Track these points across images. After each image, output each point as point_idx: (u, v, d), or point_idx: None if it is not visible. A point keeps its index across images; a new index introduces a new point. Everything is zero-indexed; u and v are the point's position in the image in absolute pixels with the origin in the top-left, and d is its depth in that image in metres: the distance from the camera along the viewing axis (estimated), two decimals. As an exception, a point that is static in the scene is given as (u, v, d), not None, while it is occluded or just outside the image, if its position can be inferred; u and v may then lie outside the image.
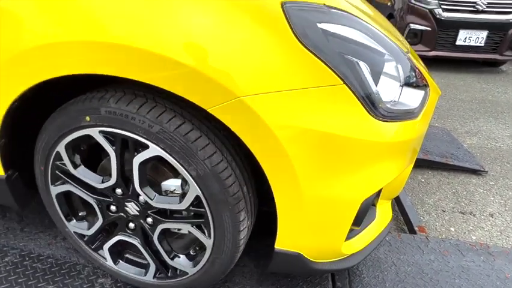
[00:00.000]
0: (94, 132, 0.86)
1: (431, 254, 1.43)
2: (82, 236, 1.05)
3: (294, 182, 0.82)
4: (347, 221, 0.91)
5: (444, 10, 4.32)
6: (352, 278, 1.27)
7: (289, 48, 0.76)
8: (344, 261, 1.03)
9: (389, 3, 5.15)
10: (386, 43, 0.90)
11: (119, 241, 1.03)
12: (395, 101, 0.92)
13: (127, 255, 1.08)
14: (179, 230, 0.97)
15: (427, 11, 4.37)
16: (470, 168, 2.22)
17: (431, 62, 4.83)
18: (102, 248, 1.05)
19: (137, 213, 0.97)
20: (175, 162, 0.82)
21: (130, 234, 1.02)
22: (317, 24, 0.78)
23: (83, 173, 0.94)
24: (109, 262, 1.06)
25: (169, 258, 0.99)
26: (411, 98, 0.96)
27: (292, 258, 0.96)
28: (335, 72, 0.78)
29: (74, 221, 1.04)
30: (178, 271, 1.02)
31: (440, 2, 4.31)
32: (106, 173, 0.96)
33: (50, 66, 0.79)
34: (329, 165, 0.83)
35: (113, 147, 0.87)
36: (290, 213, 0.87)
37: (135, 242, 1.01)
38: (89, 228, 1.03)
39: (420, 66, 1.14)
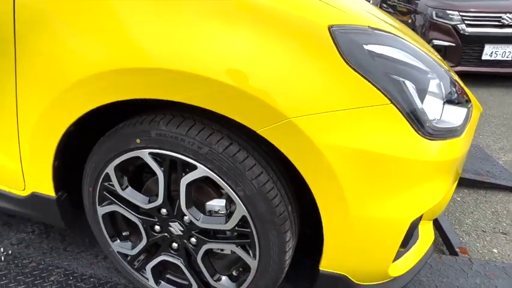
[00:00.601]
0: (144, 154, 0.88)
1: (477, 278, 1.36)
2: (125, 256, 1.07)
3: (342, 202, 0.81)
4: (396, 243, 0.89)
5: (468, 25, 4.27)
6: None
7: (337, 69, 0.77)
8: (390, 283, 1.00)
9: (409, 20, 5.15)
10: (428, 61, 0.91)
11: (161, 261, 1.04)
12: (438, 119, 0.90)
13: (168, 276, 1.08)
14: (222, 250, 0.97)
15: (450, 26, 4.34)
16: (508, 186, 2.13)
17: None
18: (145, 268, 1.06)
19: (181, 233, 0.97)
20: (223, 182, 0.84)
21: (174, 255, 1.02)
22: (363, 45, 0.80)
23: (130, 193, 0.96)
24: (151, 282, 1.07)
25: (212, 279, 0.99)
26: (454, 115, 0.95)
27: (337, 281, 0.94)
28: (382, 92, 0.79)
29: (118, 241, 1.06)
30: None
31: (464, 18, 4.28)
32: (150, 194, 0.98)
33: (104, 93, 0.83)
34: (378, 185, 0.82)
35: (161, 168, 0.89)
36: (337, 234, 0.87)
37: (178, 262, 1.01)
38: (132, 248, 1.05)
39: (460, 82, 1.13)
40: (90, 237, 1.27)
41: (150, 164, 0.89)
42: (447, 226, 1.69)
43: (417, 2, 4.89)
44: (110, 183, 0.96)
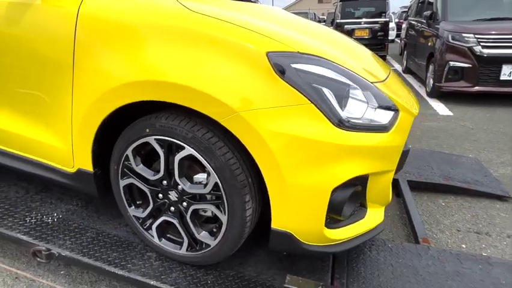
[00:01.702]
0: (151, 140, 1.28)
1: (429, 260, 1.57)
2: (137, 219, 1.45)
3: (279, 172, 1.13)
4: (322, 206, 1.18)
5: (484, 47, 4.40)
6: (350, 272, 1.48)
7: (272, 81, 1.12)
8: (330, 246, 1.28)
9: (430, 44, 5.33)
10: (350, 76, 1.20)
11: (163, 221, 1.40)
12: (365, 118, 1.20)
13: (168, 235, 1.45)
14: (204, 211, 1.33)
15: (466, 48, 4.49)
16: (493, 193, 2.27)
17: (476, 97, 4.81)
18: (151, 228, 1.43)
19: (176, 199, 1.34)
20: (201, 158, 1.20)
21: (171, 216, 1.38)
22: (291, 64, 1.14)
23: (142, 169, 1.36)
24: (156, 239, 1.44)
25: (197, 233, 1.34)
26: (381, 116, 1.24)
27: (285, 238, 1.23)
28: (304, 95, 1.12)
29: (133, 207, 1.45)
30: (204, 244, 1.34)
31: (479, 40, 4.41)
32: (156, 171, 1.37)
33: (127, 95, 1.24)
34: (303, 160, 1.12)
35: (162, 150, 1.28)
36: (278, 197, 1.18)
37: (175, 221, 1.37)
38: (143, 212, 1.44)
39: (395, 92, 1.37)
40: (115, 212, 1.68)
41: (155, 146, 1.28)
42: (416, 219, 1.90)
43: (437, 27, 5.08)
44: (129, 162, 1.36)
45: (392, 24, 13.69)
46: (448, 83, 4.72)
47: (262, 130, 1.10)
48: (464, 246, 1.85)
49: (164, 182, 1.34)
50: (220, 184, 1.21)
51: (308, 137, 1.11)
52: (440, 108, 4.61)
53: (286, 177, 1.13)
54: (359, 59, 1.47)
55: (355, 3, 9.43)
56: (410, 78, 6.74)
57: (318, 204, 1.18)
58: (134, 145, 1.32)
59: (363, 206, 1.37)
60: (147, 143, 1.31)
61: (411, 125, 1.39)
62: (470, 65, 4.49)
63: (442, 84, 4.77)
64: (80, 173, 1.45)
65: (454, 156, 2.84)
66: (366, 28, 8.92)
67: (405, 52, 7.45)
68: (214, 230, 1.34)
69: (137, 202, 1.46)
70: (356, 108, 1.20)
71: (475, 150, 3.17)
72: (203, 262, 1.39)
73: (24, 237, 1.45)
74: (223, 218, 1.26)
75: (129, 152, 1.34)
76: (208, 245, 1.34)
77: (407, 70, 7.16)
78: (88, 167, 1.42)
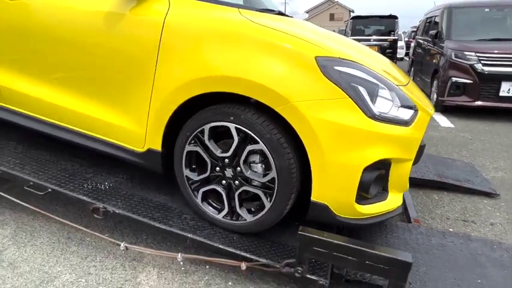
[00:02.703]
0: (231, 126, 1.52)
1: (418, 235, 1.86)
2: (189, 179, 1.71)
3: (321, 151, 1.41)
4: (354, 182, 1.44)
5: (485, 65, 4.70)
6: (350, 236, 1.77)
7: (319, 79, 1.41)
8: (358, 220, 1.55)
9: (434, 61, 5.66)
10: (379, 78, 1.50)
11: (210, 189, 1.68)
12: (391, 113, 1.47)
13: (209, 200, 1.73)
14: (250, 193, 1.60)
15: (468, 66, 4.80)
16: (482, 190, 2.55)
17: (477, 112, 5.09)
18: (198, 191, 1.70)
19: (231, 176, 1.62)
20: (269, 155, 1.47)
21: (221, 187, 1.65)
22: (334, 67, 1.43)
23: (211, 144, 1.60)
24: (199, 200, 1.71)
25: (239, 208, 1.62)
26: (404, 113, 1.52)
27: (322, 209, 1.49)
28: (344, 91, 1.40)
29: (189, 170, 1.71)
30: (240, 217, 1.63)
31: (480, 58, 4.72)
32: (223, 148, 1.62)
33: (197, 88, 1.53)
34: (341, 143, 1.40)
35: (238, 137, 1.53)
36: (319, 173, 1.44)
37: (223, 192, 1.65)
38: (197, 176, 1.69)
39: (416, 95, 1.66)
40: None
41: (232, 132, 1.52)
42: (410, 203, 2.19)
43: (442, 45, 5.42)
44: (202, 135, 1.59)
45: (401, 43, 14.07)
46: (450, 98, 5.01)
47: (310, 117, 1.39)
48: (451, 230, 2.13)
49: (226, 160, 1.60)
50: (276, 180, 1.50)
51: (346, 124, 1.40)
52: (443, 120, 4.89)
53: (327, 156, 1.41)
54: (384, 66, 1.79)
55: (365, 22, 9.86)
56: (416, 94, 7.03)
57: (351, 180, 1.44)
58: (213, 124, 1.57)
59: (385, 190, 1.62)
60: (225, 127, 1.56)
61: (427, 123, 1.65)
62: (471, 81, 4.79)
63: (445, 99, 5.06)
64: (149, 152, 1.73)
65: (449, 159, 3.12)
66: (375, 45, 9.31)
67: (412, 69, 7.79)
68: (253, 209, 1.63)
69: (193, 166, 1.73)
70: (384, 105, 1.48)
71: (471, 157, 3.44)
72: (237, 230, 1.68)
73: (85, 198, 1.78)
74: (267, 205, 1.55)
75: (206, 127, 1.59)
76: (244, 219, 1.63)
77: (414, 86, 7.45)
78: (158, 147, 1.70)
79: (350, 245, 1.32)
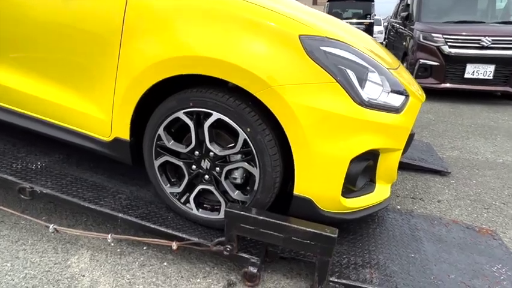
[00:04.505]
0: (180, 114, 1.40)
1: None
2: (173, 194, 1.56)
3: (305, 141, 1.27)
4: (340, 175, 1.32)
5: (451, 47, 4.72)
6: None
7: (303, 60, 1.27)
8: (344, 214, 1.44)
9: (404, 43, 5.66)
10: (369, 60, 1.37)
11: (199, 191, 1.50)
12: (381, 99, 1.36)
13: (204, 205, 1.55)
14: (235, 178, 1.44)
15: (435, 48, 4.81)
16: (434, 169, 2.57)
17: (443, 94, 5.15)
18: (189, 201, 1.53)
19: (209, 167, 1.46)
20: (230, 121, 1.33)
21: (207, 183, 1.49)
22: (320, 47, 1.29)
23: (174, 145, 1.48)
24: (194, 210, 1.54)
25: (233, 193, 1.45)
26: (394, 99, 1.41)
27: (306, 203, 1.36)
28: (330, 74, 1.27)
29: (169, 185, 1.56)
30: (240, 203, 1.45)
31: (446, 40, 4.74)
32: (187, 143, 1.48)
33: (166, 70, 1.36)
34: (327, 132, 1.28)
35: (191, 121, 1.39)
36: (302, 164, 1.31)
37: (211, 188, 1.48)
38: (179, 187, 1.54)
39: (406, 79, 1.56)
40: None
41: (185, 119, 1.39)
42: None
43: (412, 27, 5.41)
44: (161, 139, 1.48)
45: (380, 28, 14.09)
46: (417, 80, 5.00)
47: (293, 103, 1.25)
48: (399, 207, 2.13)
49: (196, 153, 1.47)
50: (249, 140, 1.34)
51: (332, 111, 1.27)
52: (410, 102, 4.92)
53: (311, 146, 1.28)
54: (373, 48, 1.67)
55: (342, 4, 9.79)
56: (389, 77, 7.07)
57: (337, 172, 1.33)
58: (164, 124, 1.46)
59: (372, 181, 1.54)
60: (176, 120, 1.43)
61: (418, 110, 1.56)
62: (438, 63, 4.81)
63: (413, 81, 5.08)
64: (116, 141, 1.58)
65: (408, 139, 3.13)
66: (352, 28, 9.26)
67: (386, 52, 7.79)
68: (248, 188, 1.48)
69: (172, 180, 1.59)
70: (373, 90, 1.36)
71: (431, 137, 3.47)
72: None
73: (10, 177, 1.67)
74: (256, 172, 1.38)
75: (161, 133, 1.47)
76: (244, 203, 1.47)
77: (387, 69, 7.48)
78: (125, 135, 1.55)
79: (276, 221, 1.28)
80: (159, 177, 1.58)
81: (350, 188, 1.44)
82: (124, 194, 1.72)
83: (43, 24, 1.60)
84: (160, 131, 1.49)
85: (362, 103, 1.31)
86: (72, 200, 1.60)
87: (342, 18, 9.70)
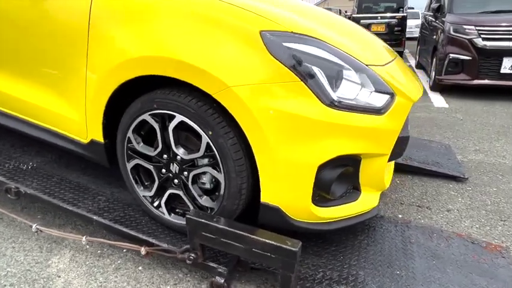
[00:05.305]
0: (146, 117, 1.35)
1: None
2: (146, 198, 1.53)
3: (267, 146, 1.17)
4: (308, 182, 1.21)
5: (485, 39, 4.32)
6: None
7: (264, 58, 1.16)
8: (318, 224, 1.32)
9: (434, 37, 5.27)
10: (344, 57, 1.23)
11: (170, 195, 1.46)
12: (358, 99, 1.22)
13: (176, 210, 1.50)
14: (204, 183, 1.38)
15: (467, 41, 4.43)
16: (448, 174, 2.33)
17: (478, 91, 4.73)
18: (161, 205, 1.49)
19: (178, 171, 1.39)
20: (193, 123, 1.26)
21: (176, 187, 1.43)
22: (282, 43, 1.17)
23: (143, 147, 1.43)
24: (166, 215, 1.49)
25: (200, 199, 1.39)
26: (376, 99, 1.26)
27: (274, 212, 1.26)
28: (293, 73, 1.16)
29: (142, 188, 1.54)
30: (208, 210, 1.39)
31: (480, 32, 4.34)
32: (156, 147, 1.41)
33: (133, 70, 1.30)
34: (291, 136, 1.17)
35: (157, 123, 1.34)
36: (267, 170, 1.21)
37: (180, 192, 1.42)
38: (150, 191, 1.50)
39: (397, 76, 1.39)
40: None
41: (150, 122, 1.35)
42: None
43: (443, 20, 5.03)
44: (131, 142, 1.44)
45: (417, 21, 13.33)
46: (447, 76, 4.67)
47: (253, 105, 1.16)
48: (400, 216, 1.95)
49: (165, 156, 1.41)
50: (211, 144, 1.26)
51: (296, 113, 1.16)
52: (438, 101, 4.57)
53: (274, 151, 1.18)
54: (360, 43, 1.49)
55: (372, -2, 9.34)
56: (420, 74, 6.65)
57: (304, 179, 1.22)
58: (132, 126, 1.42)
59: (356, 189, 1.40)
60: (143, 123, 1.39)
61: (408, 111, 1.40)
62: (470, 58, 4.42)
63: (442, 77, 4.72)
64: (92, 143, 1.55)
65: (425, 141, 2.89)
66: (383, 23, 8.82)
67: (418, 47, 7.34)
68: (216, 194, 1.40)
69: (146, 184, 1.55)
70: (349, 89, 1.23)
71: (454, 138, 3.18)
72: None
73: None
74: (221, 177, 1.30)
75: (131, 136, 1.44)
76: (212, 209, 1.40)
77: (419, 65, 7.06)
78: (99, 137, 1.52)
79: (235, 230, 1.19)
80: (132, 180, 1.55)
81: (324, 196, 1.32)
82: (104, 195, 1.71)
83: (14, 24, 1.62)
84: (130, 134, 1.45)
85: (332, 104, 1.19)
86: (52, 201, 1.62)
87: (372, 13, 9.27)
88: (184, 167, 1.39)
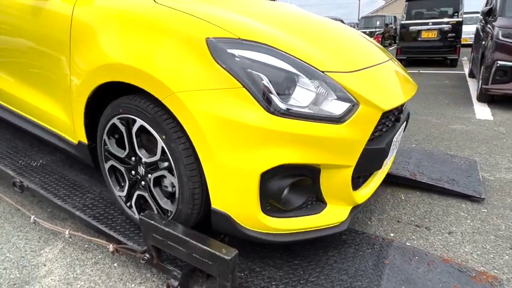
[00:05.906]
0: (115, 120, 1.44)
1: (344, 235, 1.61)
2: (121, 199, 1.61)
3: (210, 152, 1.19)
4: (252, 190, 1.19)
5: (539, 45, 3.84)
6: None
7: (208, 64, 1.19)
8: (270, 235, 1.28)
9: (483, 43, 4.81)
10: (296, 64, 1.21)
11: (138, 196, 1.53)
12: (312, 107, 1.19)
13: (146, 210, 1.47)
14: (166, 186, 1.43)
15: (517, 46, 3.97)
16: (463, 193, 2.10)
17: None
18: (132, 206, 1.55)
19: (144, 173, 1.45)
20: (150, 127, 1.32)
21: (142, 189, 1.49)
22: (227, 50, 1.19)
23: (114, 149, 1.53)
24: (136, 215, 1.55)
25: (161, 201, 1.44)
26: (334, 107, 1.21)
27: (224, 219, 1.26)
28: (236, 79, 1.16)
29: (118, 188, 1.65)
30: (169, 212, 1.43)
31: (533, 37, 3.87)
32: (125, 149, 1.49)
33: (105, 75, 1.40)
34: (232, 143, 1.17)
35: (124, 127, 1.43)
36: (212, 177, 1.23)
37: (145, 194, 1.48)
38: (123, 191, 1.58)
39: (368, 84, 1.32)
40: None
41: (119, 126, 1.43)
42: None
43: (494, 24, 4.58)
44: (106, 144, 1.55)
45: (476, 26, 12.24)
46: (495, 85, 4.22)
47: (195, 111, 1.17)
48: (392, 235, 1.80)
49: (133, 159, 1.48)
50: (165, 147, 1.30)
51: (237, 120, 1.15)
52: (483, 112, 4.15)
53: (217, 157, 1.19)
54: (328, 48, 1.43)
55: (422, 3, 8.78)
56: (472, 83, 6.10)
57: (247, 187, 1.20)
58: (106, 128, 1.52)
59: (321, 201, 1.35)
60: (114, 127, 1.48)
61: (376, 121, 1.29)
62: (521, 65, 3.96)
63: (489, 87, 4.28)
64: (80, 144, 1.68)
65: (446, 155, 2.63)
66: (434, 29, 8.25)
67: (472, 54, 6.73)
68: (174, 200, 1.43)
69: (122, 184, 1.62)
70: (302, 97, 1.20)
71: (487, 154, 2.86)
72: None
73: (10, 172, 1.94)
74: (175, 181, 1.33)
75: (115, 120, 1.49)
76: (171, 212, 1.43)
77: (471, 74, 6.48)
78: (84, 139, 1.64)
79: (178, 234, 1.20)
80: (109, 180, 1.64)
81: (278, 207, 1.27)
82: (93, 193, 1.83)
83: (14, 34, 1.87)
84: (105, 136, 1.55)
85: (277, 111, 1.15)
86: (45, 195, 1.77)
87: (423, 18, 8.69)
88: (148, 169, 1.44)
